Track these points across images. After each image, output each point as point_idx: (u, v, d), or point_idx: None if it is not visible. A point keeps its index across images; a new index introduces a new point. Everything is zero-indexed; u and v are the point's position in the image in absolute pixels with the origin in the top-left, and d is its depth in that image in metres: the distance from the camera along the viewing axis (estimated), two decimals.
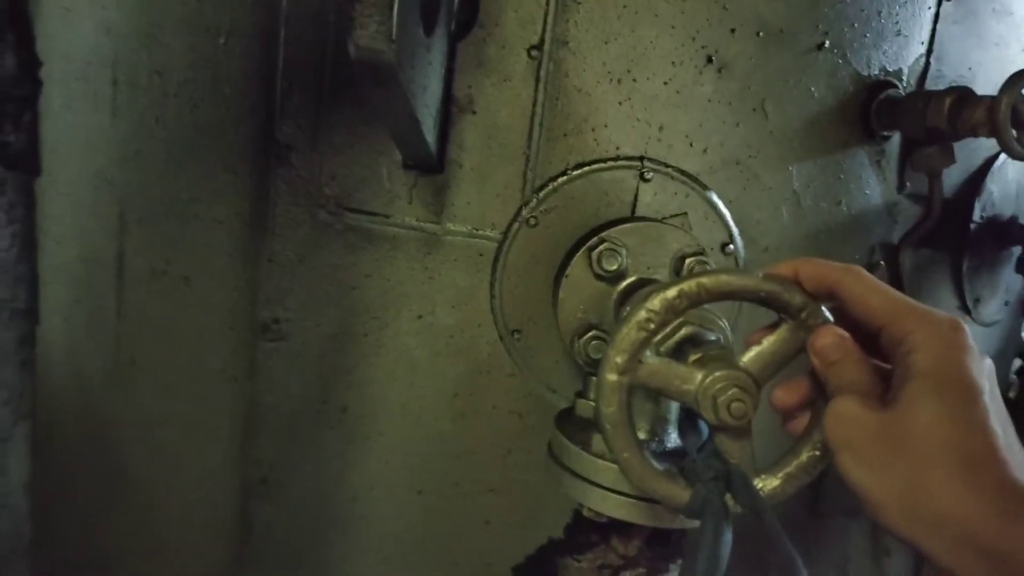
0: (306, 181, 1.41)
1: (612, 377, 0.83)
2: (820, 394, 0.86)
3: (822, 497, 1.67)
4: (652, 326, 0.82)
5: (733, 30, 1.36)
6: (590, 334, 1.26)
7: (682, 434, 1.02)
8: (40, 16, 1.64)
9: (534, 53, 1.33)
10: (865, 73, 1.46)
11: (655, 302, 0.82)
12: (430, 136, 1.27)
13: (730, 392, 0.83)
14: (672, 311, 0.82)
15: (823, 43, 1.41)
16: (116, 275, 1.58)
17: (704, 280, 0.81)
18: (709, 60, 1.37)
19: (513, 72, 1.34)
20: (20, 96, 0.67)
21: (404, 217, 1.39)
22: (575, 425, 1.16)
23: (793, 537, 0.86)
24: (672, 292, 0.82)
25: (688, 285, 0.82)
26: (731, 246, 1.41)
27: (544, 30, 1.34)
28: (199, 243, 1.49)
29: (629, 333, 0.83)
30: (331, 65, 1.37)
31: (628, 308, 0.86)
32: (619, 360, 0.83)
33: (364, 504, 1.50)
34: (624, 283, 1.25)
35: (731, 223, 1.41)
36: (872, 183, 1.53)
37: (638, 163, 1.37)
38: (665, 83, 1.36)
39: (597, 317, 1.27)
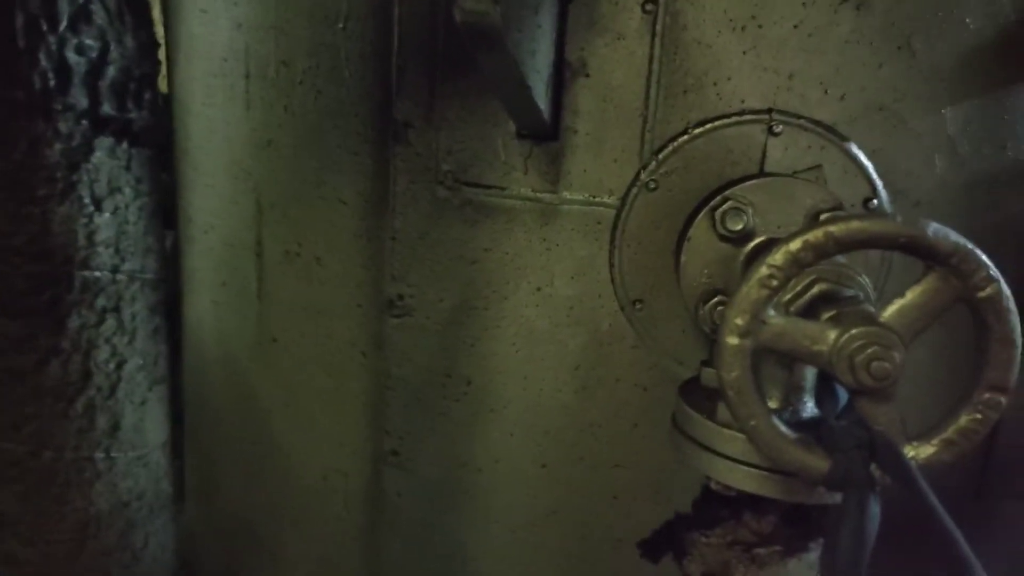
0: (423, 157, 1.42)
1: (733, 340, 0.77)
2: (984, 347, 0.76)
3: (990, 475, 1.50)
4: (775, 283, 0.75)
5: None
6: (715, 300, 1.19)
7: (818, 401, 0.94)
8: (181, 18, 1.77)
9: (648, 7, 1.27)
10: None
11: (777, 256, 0.75)
12: (542, 102, 1.24)
13: (869, 351, 0.75)
14: (797, 264, 0.75)
15: None
16: (256, 258, 1.68)
17: (832, 228, 0.74)
18: None
19: (627, 29, 1.29)
20: (140, 75, 0.71)
21: (520, 188, 1.38)
22: (700, 394, 1.10)
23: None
24: (796, 244, 0.75)
25: (814, 235, 0.74)
26: (874, 201, 1.28)
27: None
28: (327, 224, 1.55)
29: (749, 292, 0.76)
30: (443, 39, 1.37)
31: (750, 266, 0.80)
32: (739, 322, 0.77)
33: (490, 476, 1.51)
34: (751, 244, 1.17)
35: (874, 176, 1.29)
36: None
37: (766, 116, 1.27)
38: (795, 26, 1.26)
39: (723, 282, 1.20)
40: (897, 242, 0.74)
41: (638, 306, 1.37)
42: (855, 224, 0.74)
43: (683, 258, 1.22)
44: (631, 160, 1.33)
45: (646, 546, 1.20)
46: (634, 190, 1.33)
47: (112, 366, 0.72)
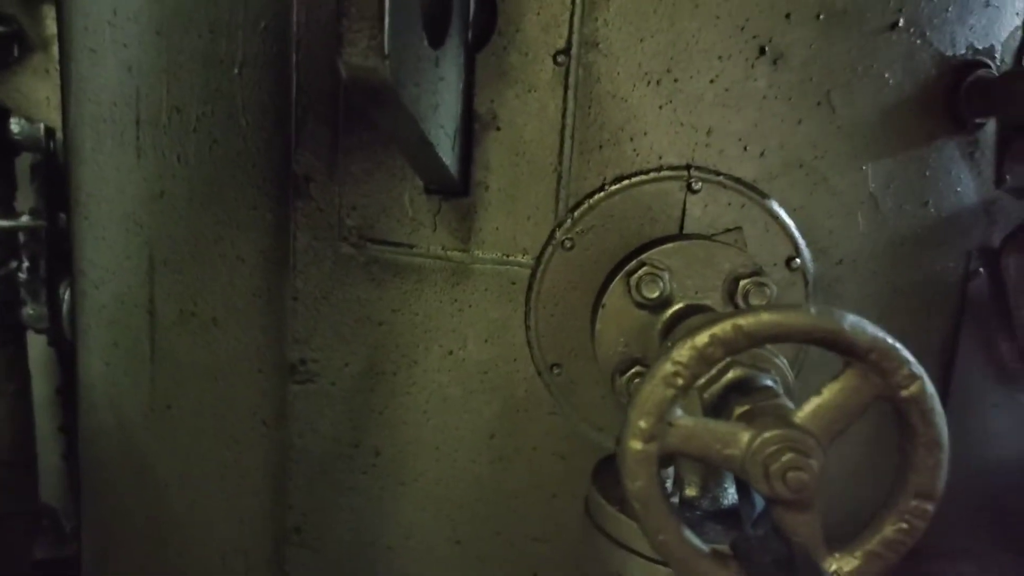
0: (326, 213, 1.32)
1: (636, 446, 0.69)
2: (909, 450, 0.70)
3: None
4: (680, 381, 0.68)
5: (788, 15, 1.19)
6: (633, 371, 1.12)
7: (738, 498, 0.86)
8: (72, 57, 1.64)
9: (560, 59, 1.20)
10: (949, 53, 1.25)
11: (683, 352, 0.67)
12: (448, 158, 1.16)
13: (785, 458, 0.68)
14: (704, 361, 0.67)
15: (896, 22, 1.22)
16: (148, 317, 1.54)
17: (742, 322, 0.66)
18: (762, 51, 1.20)
19: (538, 81, 1.22)
20: None
21: (429, 246, 1.29)
22: (616, 479, 1.01)
23: None
24: (702, 338, 0.67)
25: (722, 328, 0.67)
26: (797, 260, 1.23)
27: (571, 32, 1.20)
28: (224, 283, 1.43)
29: (653, 391, 0.68)
30: (345, 88, 1.28)
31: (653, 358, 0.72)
32: (643, 425, 0.69)
33: (402, 554, 1.40)
34: (669, 311, 1.10)
35: (796, 234, 1.24)
36: (964, 179, 1.32)
37: (684, 172, 1.22)
38: (711, 81, 1.21)
39: (640, 351, 1.13)
40: (812, 336, 0.67)
41: (556, 371, 1.29)
42: (766, 317, 0.66)
43: (598, 325, 1.14)
44: (546, 218, 1.25)
45: None
46: (549, 249, 1.25)
47: None
